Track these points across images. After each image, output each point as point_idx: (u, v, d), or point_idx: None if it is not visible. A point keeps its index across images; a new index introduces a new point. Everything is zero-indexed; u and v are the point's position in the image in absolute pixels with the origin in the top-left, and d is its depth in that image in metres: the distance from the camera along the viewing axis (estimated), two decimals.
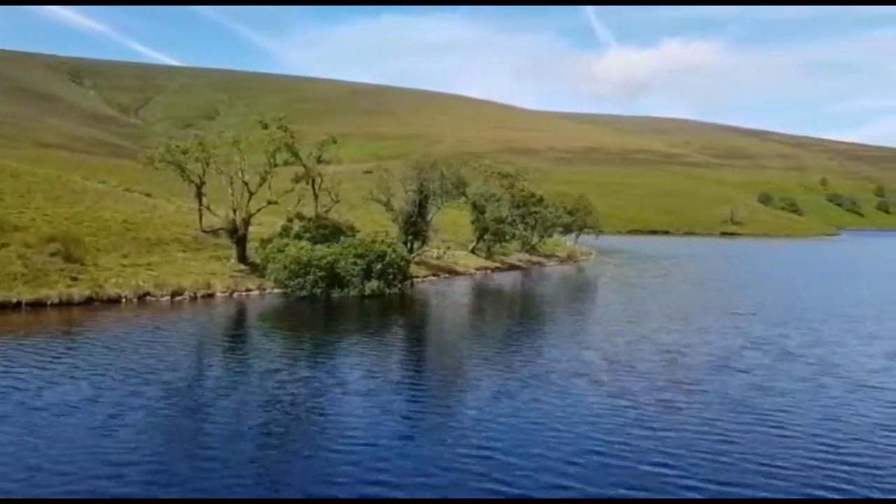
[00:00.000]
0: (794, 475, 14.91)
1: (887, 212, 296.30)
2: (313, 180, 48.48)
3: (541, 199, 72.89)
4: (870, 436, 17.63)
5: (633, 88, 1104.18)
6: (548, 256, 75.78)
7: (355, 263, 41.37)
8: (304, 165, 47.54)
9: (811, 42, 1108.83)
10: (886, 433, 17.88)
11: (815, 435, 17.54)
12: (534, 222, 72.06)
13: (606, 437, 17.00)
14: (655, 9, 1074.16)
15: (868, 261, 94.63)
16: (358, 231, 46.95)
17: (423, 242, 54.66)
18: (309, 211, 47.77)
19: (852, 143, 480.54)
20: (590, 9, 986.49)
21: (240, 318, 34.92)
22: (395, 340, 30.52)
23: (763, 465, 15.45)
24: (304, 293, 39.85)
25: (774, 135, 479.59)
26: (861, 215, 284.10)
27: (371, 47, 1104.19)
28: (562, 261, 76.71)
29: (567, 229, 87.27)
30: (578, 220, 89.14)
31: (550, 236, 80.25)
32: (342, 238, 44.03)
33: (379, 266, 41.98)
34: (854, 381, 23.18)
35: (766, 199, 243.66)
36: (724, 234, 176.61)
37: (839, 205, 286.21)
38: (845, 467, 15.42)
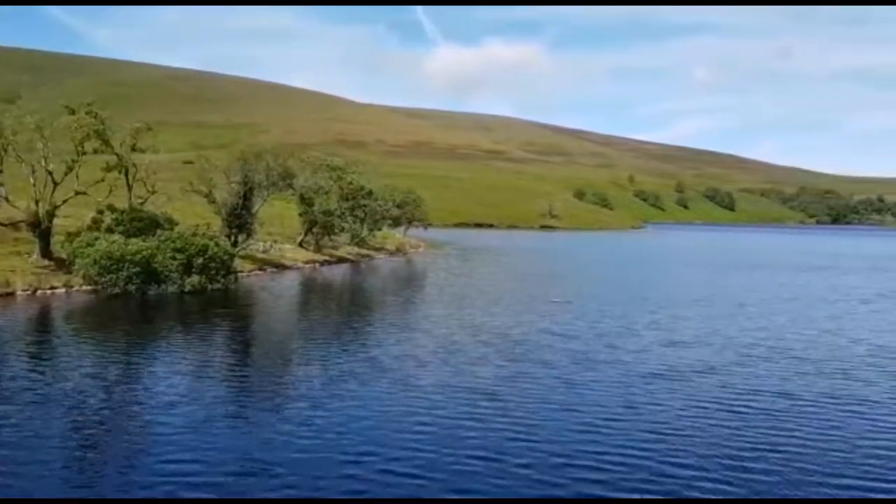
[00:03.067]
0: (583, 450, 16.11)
1: (686, 207, 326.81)
2: (126, 170, 45.77)
3: (370, 192, 73.23)
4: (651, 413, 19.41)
5: (459, 85, 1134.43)
6: (377, 249, 76.31)
7: (174, 258, 39.45)
8: (117, 154, 44.73)
9: (619, 47, 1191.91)
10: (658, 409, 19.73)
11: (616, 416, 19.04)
12: (363, 215, 72.20)
13: (426, 421, 17.41)
14: (479, 9, 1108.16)
15: (669, 251, 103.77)
16: (177, 224, 44.82)
17: (249, 236, 53.20)
18: (122, 203, 45.00)
19: (656, 144, 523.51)
20: (418, 7, 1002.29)
21: (44, 319, 32.18)
22: (216, 337, 29.43)
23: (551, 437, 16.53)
24: (116, 290, 37.46)
25: (588, 134, 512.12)
26: (663, 210, 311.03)
27: (190, 31, 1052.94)
28: (391, 253, 77.57)
29: (396, 222, 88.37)
30: (407, 213, 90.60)
31: (380, 229, 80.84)
32: (159, 231, 41.89)
33: (200, 261, 40.28)
34: (649, 361, 25.36)
35: (580, 195, 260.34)
36: (543, 227, 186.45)
37: (644, 200, 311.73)
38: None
